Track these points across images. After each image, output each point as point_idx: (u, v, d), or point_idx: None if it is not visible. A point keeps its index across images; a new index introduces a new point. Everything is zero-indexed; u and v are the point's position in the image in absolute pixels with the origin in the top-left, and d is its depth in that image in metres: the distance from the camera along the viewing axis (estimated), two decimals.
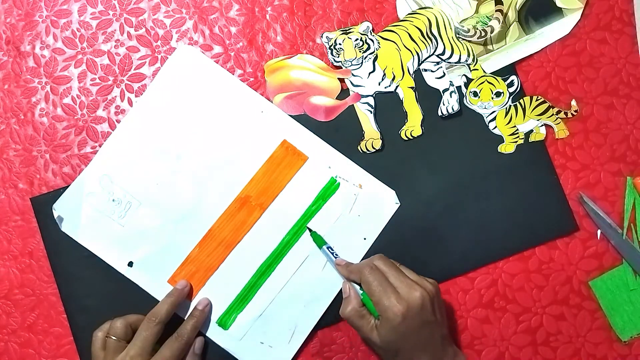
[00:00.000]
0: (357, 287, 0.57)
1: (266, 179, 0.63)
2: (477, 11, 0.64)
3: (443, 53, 0.64)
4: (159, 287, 0.62)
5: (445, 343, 0.56)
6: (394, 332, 0.53)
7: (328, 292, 0.62)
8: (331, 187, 0.63)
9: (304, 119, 0.63)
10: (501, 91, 0.63)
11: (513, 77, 0.63)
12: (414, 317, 0.53)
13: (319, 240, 0.62)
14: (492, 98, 0.63)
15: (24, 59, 0.64)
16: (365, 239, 0.62)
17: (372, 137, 0.63)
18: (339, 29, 0.64)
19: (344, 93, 0.64)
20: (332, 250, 0.61)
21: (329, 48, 0.63)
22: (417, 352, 0.54)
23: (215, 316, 0.62)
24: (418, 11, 0.64)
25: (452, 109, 0.63)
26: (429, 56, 0.64)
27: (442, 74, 0.64)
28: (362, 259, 0.62)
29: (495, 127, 0.63)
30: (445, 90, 0.63)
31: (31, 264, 0.63)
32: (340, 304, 0.60)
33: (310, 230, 0.62)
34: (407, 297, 0.54)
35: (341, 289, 0.60)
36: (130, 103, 0.64)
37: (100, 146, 0.64)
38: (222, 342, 0.62)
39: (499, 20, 0.63)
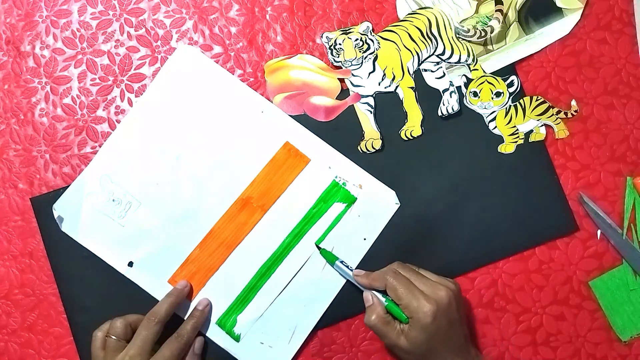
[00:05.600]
0: (379, 294, 0.57)
1: (268, 180, 0.63)
2: (477, 11, 0.64)
3: (443, 53, 0.64)
4: (159, 287, 0.62)
5: (467, 342, 0.57)
6: (425, 332, 0.54)
7: (328, 292, 0.62)
8: (332, 190, 0.63)
9: (304, 119, 0.63)
10: (501, 91, 0.63)
11: (513, 77, 0.63)
12: (443, 315, 0.54)
13: (330, 257, 0.61)
14: (492, 98, 0.63)
15: (24, 59, 0.64)
16: (365, 239, 0.62)
17: (372, 137, 0.63)
18: (339, 29, 0.64)
19: (344, 93, 0.64)
20: (346, 263, 0.61)
21: (329, 48, 0.63)
22: (444, 352, 0.55)
23: (215, 316, 0.62)
24: (418, 11, 0.64)
25: (452, 109, 0.63)
26: (429, 56, 0.64)
27: (442, 74, 0.64)
28: (362, 259, 0.62)
29: (495, 127, 0.63)
30: (445, 90, 0.63)
31: (31, 264, 0.63)
32: (341, 303, 0.60)
33: (319, 248, 0.62)
34: (435, 297, 0.54)
35: (340, 291, 0.60)
36: (130, 103, 0.64)
37: (100, 146, 0.64)
38: (222, 342, 0.62)
39: (499, 20, 0.63)
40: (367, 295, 0.58)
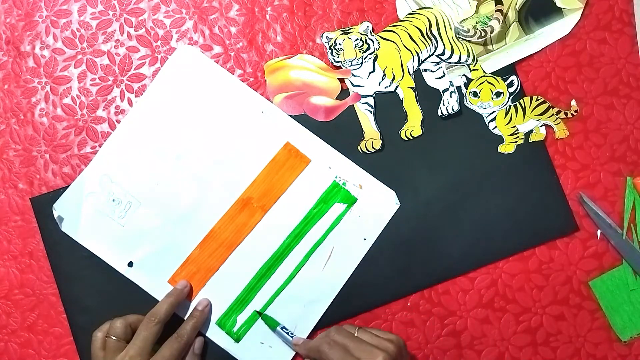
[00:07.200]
0: None
1: (268, 181, 0.63)
2: (477, 11, 0.64)
3: (443, 53, 0.64)
4: (159, 287, 0.62)
5: None
6: None
7: (328, 292, 0.62)
8: (333, 191, 0.63)
9: (304, 119, 0.63)
10: (501, 91, 0.63)
11: (513, 77, 0.63)
12: None
13: (271, 323, 0.61)
14: (492, 98, 0.63)
15: (24, 59, 0.64)
16: (365, 239, 0.62)
17: (372, 137, 0.63)
18: (339, 29, 0.64)
19: (344, 93, 0.64)
20: (287, 330, 0.61)
21: (329, 48, 0.63)
22: None
23: (215, 317, 0.62)
24: (418, 11, 0.64)
25: (452, 109, 0.63)
26: (429, 56, 0.64)
27: (442, 74, 0.64)
28: (362, 259, 0.62)
29: (495, 127, 0.63)
30: (445, 90, 0.63)
31: (31, 264, 0.63)
32: (341, 303, 0.60)
33: (260, 313, 0.61)
34: None
35: (340, 291, 0.60)
36: (130, 103, 0.64)
37: (100, 146, 0.64)
38: (222, 342, 0.62)
39: (499, 20, 0.63)
40: None
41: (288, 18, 0.64)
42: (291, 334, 0.60)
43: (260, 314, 0.61)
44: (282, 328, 0.61)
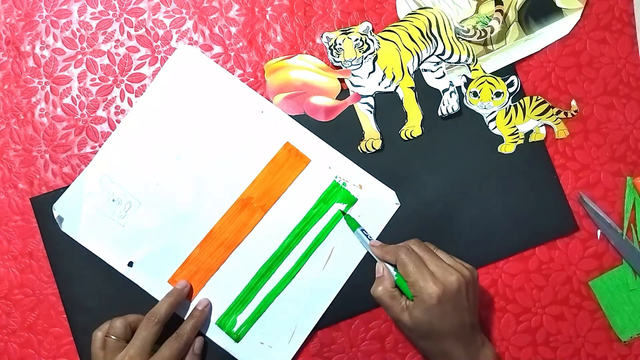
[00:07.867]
0: (391, 268, 0.57)
1: (268, 180, 0.63)
2: (477, 11, 0.64)
3: (443, 53, 0.64)
4: (159, 287, 0.62)
5: (474, 331, 0.56)
6: (427, 314, 0.53)
7: (328, 292, 0.62)
8: (333, 191, 0.63)
9: (304, 119, 0.63)
10: (501, 91, 0.63)
11: (513, 77, 0.63)
12: (449, 300, 0.53)
13: (352, 224, 0.62)
14: (492, 98, 0.63)
15: (24, 59, 0.64)
16: None
17: (372, 137, 0.63)
18: (339, 29, 0.64)
19: (344, 93, 0.64)
20: (366, 232, 0.61)
21: (329, 48, 0.63)
22: (446, 336, 0.54)
23: (215, 316, 0.62)
24: (418, 11, 0.64)
25: (452, 109, 0.63)
26: (429, 56, 0.64)
27: (442, 74, 0.64)
28: (362, 260, 0.62)
29: (495, 127, 0.63)
30: (445, 90, 0.63)
31: (31, 264, 0.63)
32: (341, 303, 0.60)
33: (343, 213, 0.62)
34: (444, 280, 0.54)
35: (340, 291, 0.60)
36: (130, 103, 0.64)
37: (100, 146, 0.64)
38: (222, 342, 0.62)
39: (499, 20, 0.63)
40: (379, 267, 0.58)
41: (288, 18, 0.64)
42: (370, 237, 0.61)
43: (343, 213, 0.62)
44: (361, 230, 0.61)
